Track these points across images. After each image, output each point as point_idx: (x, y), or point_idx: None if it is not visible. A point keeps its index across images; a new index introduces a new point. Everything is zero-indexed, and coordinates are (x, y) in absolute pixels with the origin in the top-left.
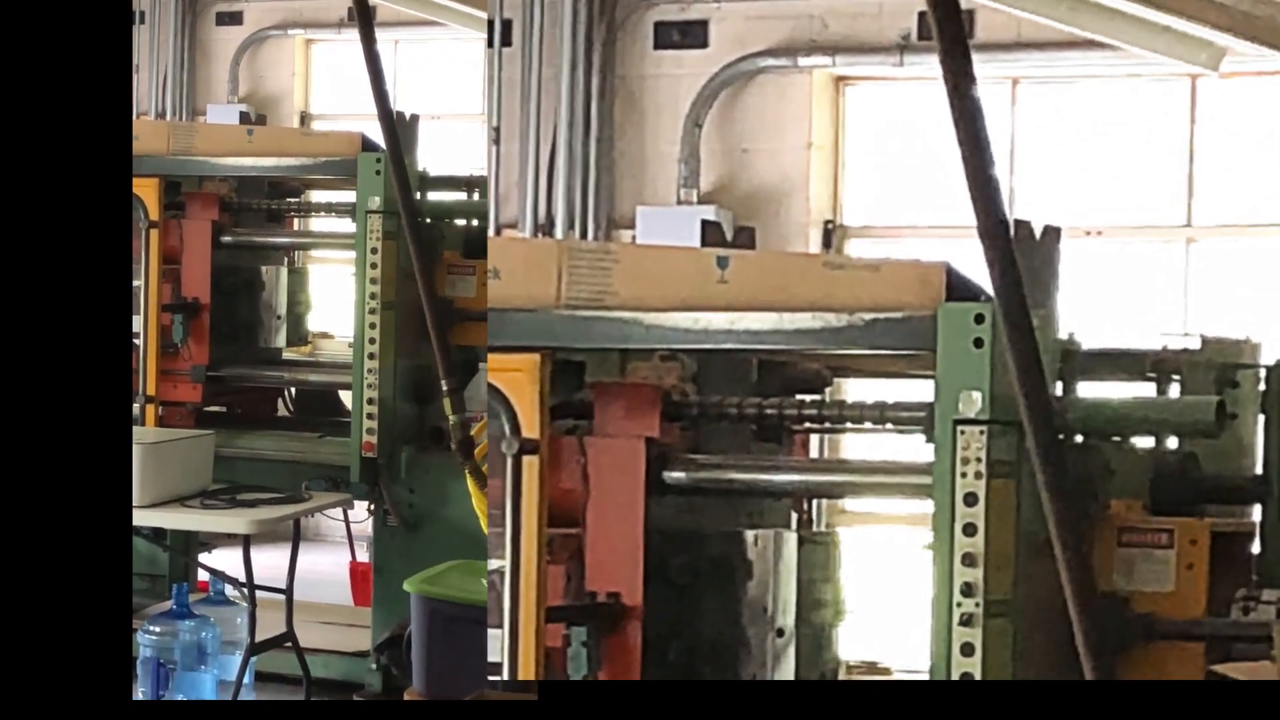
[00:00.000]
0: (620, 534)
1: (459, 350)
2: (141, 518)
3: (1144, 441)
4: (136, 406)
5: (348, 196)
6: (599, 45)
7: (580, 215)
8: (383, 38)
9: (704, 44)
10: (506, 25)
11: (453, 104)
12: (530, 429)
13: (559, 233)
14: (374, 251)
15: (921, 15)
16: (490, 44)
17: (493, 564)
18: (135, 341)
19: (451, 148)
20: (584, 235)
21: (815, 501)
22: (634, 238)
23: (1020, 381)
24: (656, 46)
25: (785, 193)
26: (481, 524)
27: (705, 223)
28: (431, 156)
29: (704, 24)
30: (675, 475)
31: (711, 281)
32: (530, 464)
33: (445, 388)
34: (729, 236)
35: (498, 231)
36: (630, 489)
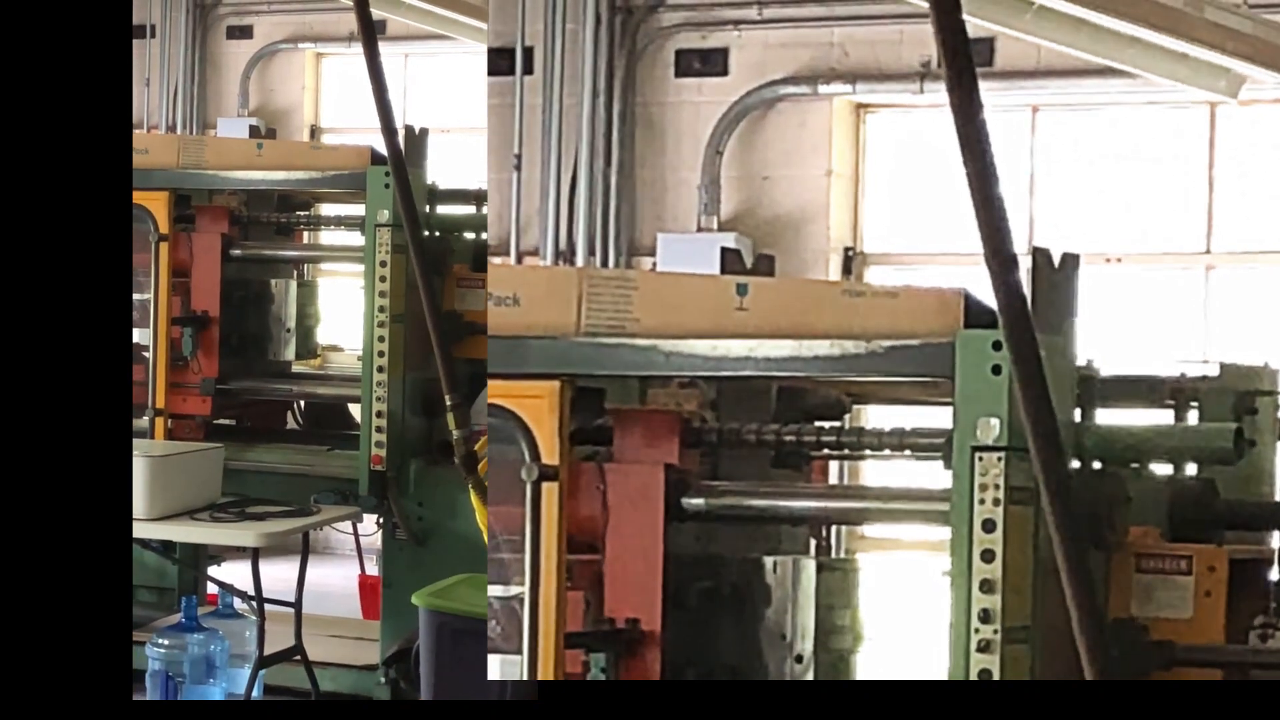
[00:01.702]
0: (639, 560)
1: (467, 364)
2: (150, 530)
3: (1162, 468)
4: (146, 419)
5: (357, 210)
6: (620, 72)
7: (601, 242)
8: (393, 51)
9: (724, 71)
10: (528, 53)
11: (463, 117)
12: (550, 456)
13: (580, 259)
14: (383, 264)
15: None
16: (511, 71)
17: (512, 590)
18: (144, 354)
19: (462, 161)
20: (605, 262)
21: (834, 528)
22: (654, 264)
23: (1026, 407)
24: (677, 74)
25: (805, 219)
26: (487, 539)
27: (725, 250)
28: (442, 170)
29: (724, 51)
30: (694, 502)
31: (731, 309)
32: (550, 490)
33: (449, 402)
34: (749, 264)
35: (518, 258)
36: (649, 515)
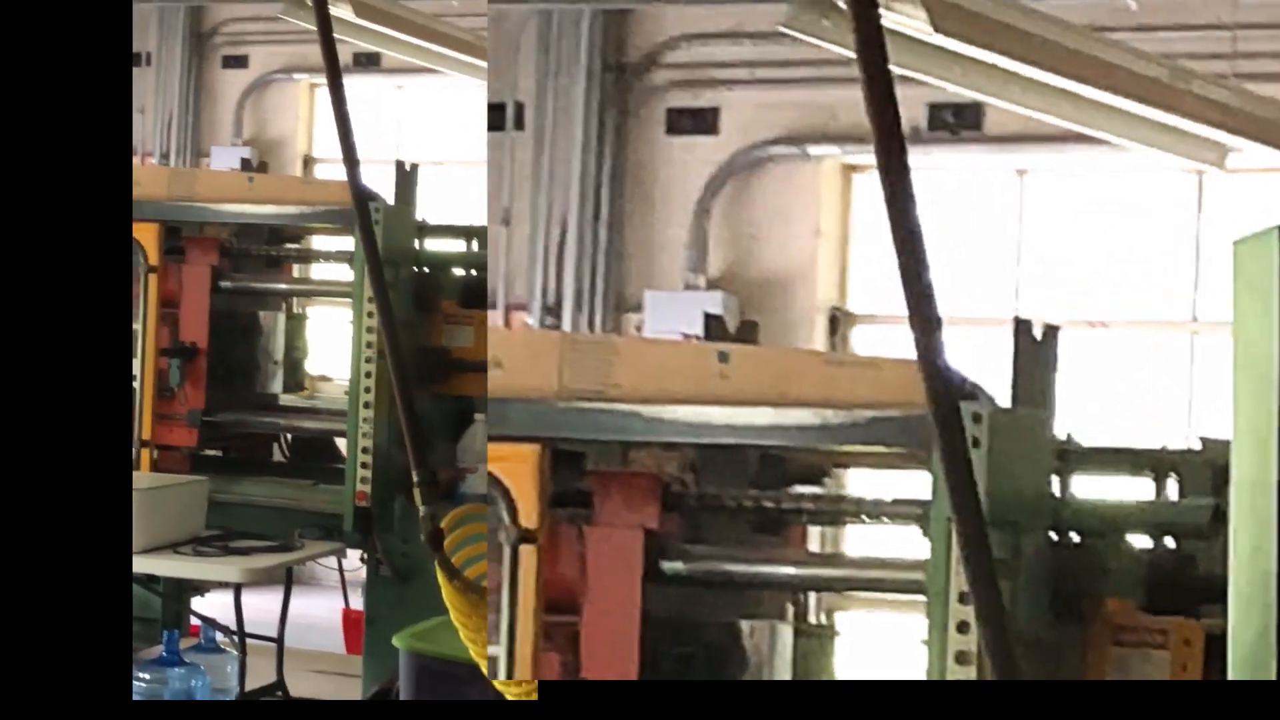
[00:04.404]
0: (617, 623)
1: (455, 400)
2: (134, 564)
3: (1141, 540)
4: (132, 450)
5: (348, 243)
6: (611, 129)
7: (589, 298)
8: (385, 83)
9: (715, 131)
10: (519, 109)
11: (456, 151)
12: (529, 519)
13: (567, 314)
14: (370, 299)
15: (931, 107)
16: (502, 127)
17: (490, 650)
18: (132, 385)
19: (455, 194)
20: (591, 318)
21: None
22: (641, 321)
23: (948, 478)
24: (668, 132)
25: (792, 279)
26: (454, 619)
27: (708, 316)
28: (434, 204)
29: (715, 111)
30: (673, 565)
31: (712, 375)
32: (528, 553)
33: (415, 478)
34: (734, 327)
35: (506, 312)
36: (628, 578)
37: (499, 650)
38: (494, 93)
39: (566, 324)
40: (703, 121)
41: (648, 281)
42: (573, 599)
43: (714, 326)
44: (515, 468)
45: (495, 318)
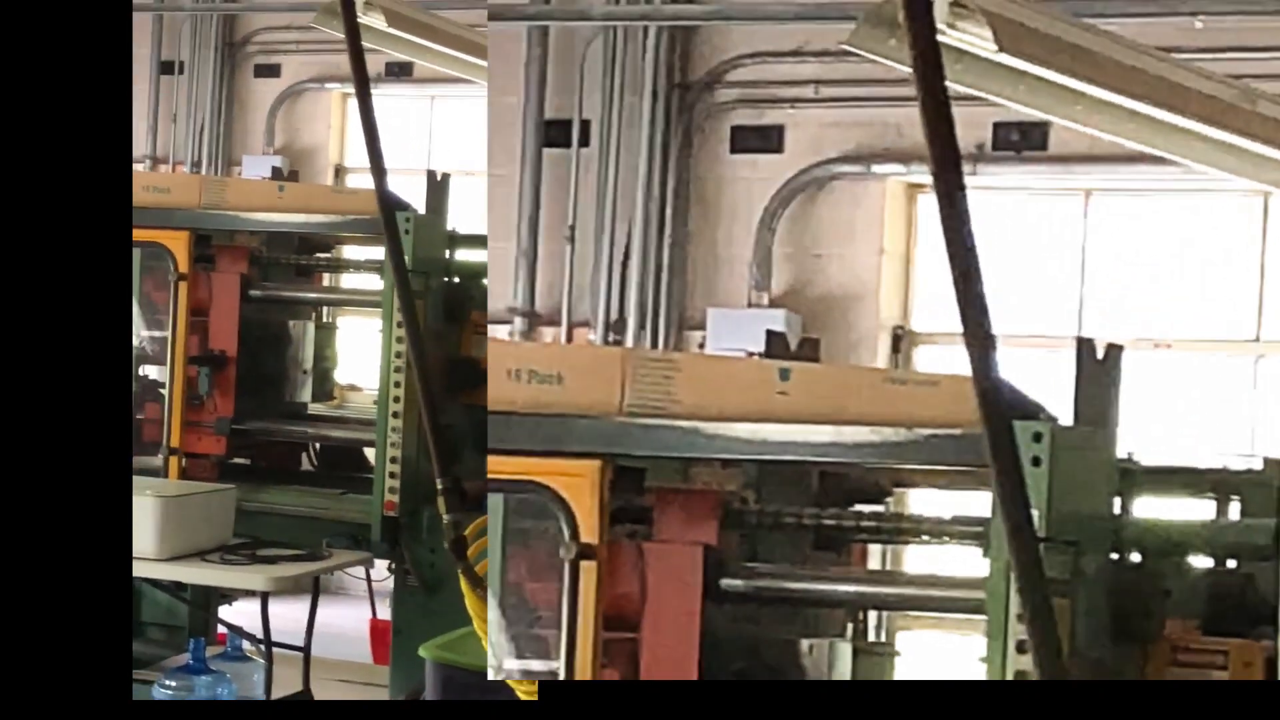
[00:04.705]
0: (676, 640)
1: (484, 411)
2: (161, 571)
3: (1202, 561)
4: (160, 458)
5: (378, 253)
6: (676, 147)
7: (652, 316)
8: (419, 94)
9: (779, 149)
10: (585, 126)
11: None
12: (589, 534)
13: (630, 332)
14: (399, 309)
15: (996, 125)
16: (568, 143)
17: (549, 665)
18: (161, 392)
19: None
20: (655, 335)
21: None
22: (704, 339)
23: (1000, 494)
24: (733, 150)
25: (856, 298)
26: (476, 627)
27: (770, 333)
28: (465, 214)
29: (780, 129)
30: (733, 583)
31: (773, 393)
32: (588, 569)
33: (439, 486)
34: (794, 345)
35: (569, 329)
36: (687, 596)
37: (558, 666)
38: (557, 109)
39: (629, 341)
40: (767, 139)
41: (711, 299)
42: (632, 616)
43: (775, 344)
44: (576, 483)
45: (559, 335)
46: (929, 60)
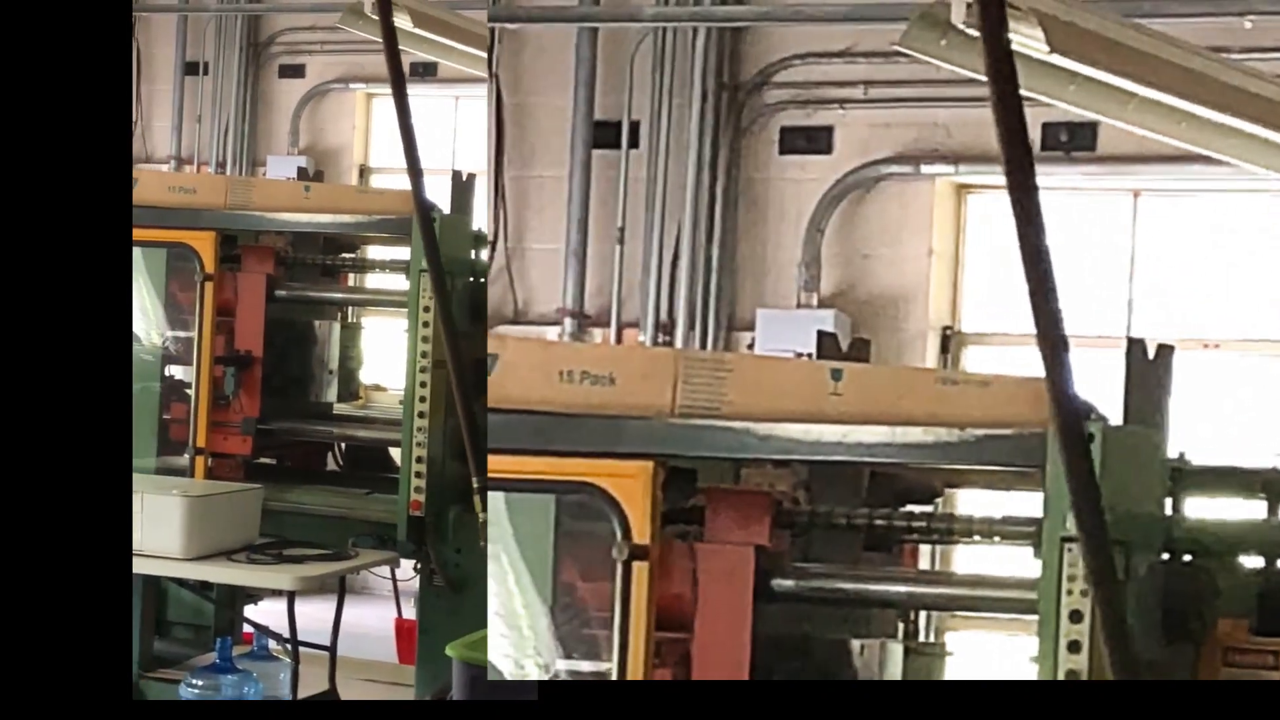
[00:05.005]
0: (728, 640)
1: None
2: (187, 571)
3: (1252, 561)
4: (186, 457)
5: (403, 253)
6: (725, 148)
7: (701, 317)
8: (443, 94)
9: (828, 150)
10: (634, 127)
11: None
12: (641, 535)
13: (680, 333)
14: (426, 310)
15: (1046, 126)
16: (617, 144)
17: (600, 666)
18: (187, 392)
19: None
20: (704, 336)
21: (923, 611)
22: (754, 340)
23: (1074, 498)
24: (781, 151)
25: (905, 298)
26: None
27: (821, 334)
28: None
29: (829, 130)
30: (784, 583)
31: (825, 393)
32: (640, 570)
33: (475, 485)
34: (845, 346)
35: (618, 330)
36: (739, 596)
37: (611, 666)
38: (606, 110)
39: (679, 342)
40: (816, 140)
41: (760, 300)
42: (684, 616)
43: (826, 344)
44: (628, 484)
45: (608, 336)
46: (1002, 65)
